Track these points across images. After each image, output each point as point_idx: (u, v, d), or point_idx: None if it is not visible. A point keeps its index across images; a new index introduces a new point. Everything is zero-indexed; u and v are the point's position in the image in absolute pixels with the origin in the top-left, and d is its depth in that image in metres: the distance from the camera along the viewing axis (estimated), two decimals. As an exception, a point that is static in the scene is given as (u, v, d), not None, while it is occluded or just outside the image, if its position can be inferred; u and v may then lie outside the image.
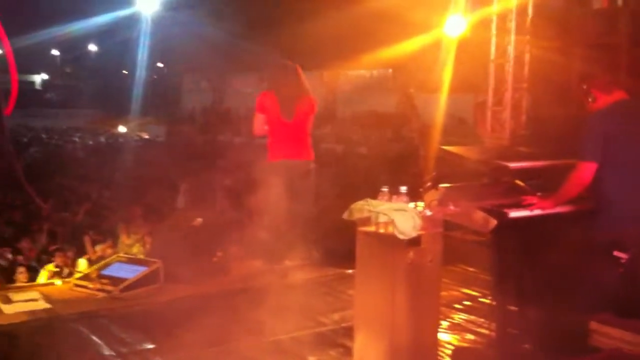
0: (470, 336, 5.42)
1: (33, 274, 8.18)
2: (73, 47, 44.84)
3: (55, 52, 50.81)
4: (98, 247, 9.09)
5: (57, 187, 13.16)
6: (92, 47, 47.60)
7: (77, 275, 7.65)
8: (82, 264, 8.34)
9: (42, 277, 7.89)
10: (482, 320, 5.47)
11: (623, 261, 4.31)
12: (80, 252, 8.88)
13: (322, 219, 7.22)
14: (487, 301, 5.30)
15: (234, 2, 25.16)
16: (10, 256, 8.80)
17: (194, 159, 15.86)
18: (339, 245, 6.56)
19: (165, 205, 11.23)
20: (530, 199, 4.49)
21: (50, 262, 8.42)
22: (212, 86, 36.84)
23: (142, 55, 30.84)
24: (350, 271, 6.16)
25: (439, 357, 4.69)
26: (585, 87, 4.60)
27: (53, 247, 9.07)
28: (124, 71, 39.50)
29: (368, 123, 24.67)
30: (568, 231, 4.58)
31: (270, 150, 6.59)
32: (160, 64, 41.32)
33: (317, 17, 17.68)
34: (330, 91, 27.74)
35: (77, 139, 29.28)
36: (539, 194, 4.57)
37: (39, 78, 52.84)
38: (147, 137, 30.04)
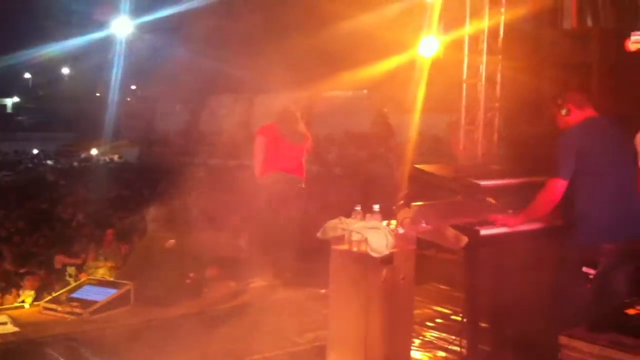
0: (442, 353, 5.41)
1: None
2: (45, 70, 44.49)
3: (27, 75, 50.36)
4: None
5: (28, 210, 12.97)
6: (65, 70, 47.22)
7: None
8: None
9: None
10: (454, 337, 5.45)
11: (591, 277, 4.33)
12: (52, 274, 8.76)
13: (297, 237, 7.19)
14: (459, 319, 5.28)
15: (208, 25, 25.18)
16: None
17: (167, 180, 15.69)
18: (312, 264, 6.52)
19: (135, 229, 11.08)
20: (497, 217, 4.49)
21: (19, 285, 8.29)
22: (187, 108, 36.70)
23: (116, 78, 30.69)
24: (323, 291, 6.11)
25: (411, 375, 4.67)
26: (560, 101, 4.65)
27: (23, 270, 8.93)
28: (97, 94, 39.23)
29: (344, 143, 24.70)
30: (540, 248, 4.59)
31: (267, 164, 6.88)
32: (134, 87, 41.14)
33: (293, 40, 17.75)
34: (306, 113, 27.76)
35: (49, 162, 28.99)
36: (510, 211, 4.58)
37: (10, 101, 52.36)
38: (118, 159, 29.81)
